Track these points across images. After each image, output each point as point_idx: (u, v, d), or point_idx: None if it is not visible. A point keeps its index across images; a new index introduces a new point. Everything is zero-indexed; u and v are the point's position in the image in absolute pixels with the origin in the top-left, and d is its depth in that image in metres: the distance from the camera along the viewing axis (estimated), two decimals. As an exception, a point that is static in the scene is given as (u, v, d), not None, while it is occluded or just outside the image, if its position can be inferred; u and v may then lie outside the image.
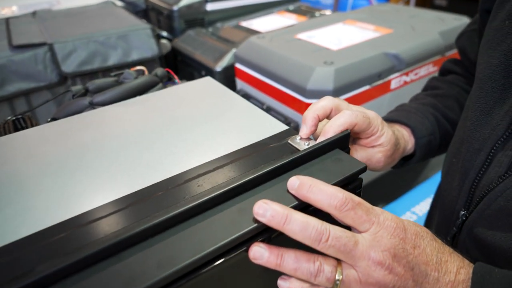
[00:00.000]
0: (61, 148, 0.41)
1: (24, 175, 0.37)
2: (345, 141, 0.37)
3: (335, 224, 0.28)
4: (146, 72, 0.61)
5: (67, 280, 0.24)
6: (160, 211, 0.30)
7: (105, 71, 0.93)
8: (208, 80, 0.56)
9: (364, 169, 0.33)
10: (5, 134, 0.50)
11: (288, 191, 0.30)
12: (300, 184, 0.29)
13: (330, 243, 0.26)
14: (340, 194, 0.28)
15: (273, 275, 0.30)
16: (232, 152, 0.38)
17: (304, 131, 0.38)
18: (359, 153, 0.42)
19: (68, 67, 0.87)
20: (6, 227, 0.30)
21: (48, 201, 0.33)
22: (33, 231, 0.29)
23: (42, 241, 0.28)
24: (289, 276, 0.29)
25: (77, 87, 0.55)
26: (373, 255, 0.27)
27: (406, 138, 0.49)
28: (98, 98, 0.51)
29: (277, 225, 0.27)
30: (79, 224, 0.30)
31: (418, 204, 1.00)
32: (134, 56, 0.95)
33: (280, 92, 0.87)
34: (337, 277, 0.27)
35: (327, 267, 0.27)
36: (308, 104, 0.82)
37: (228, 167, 0.35)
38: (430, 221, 0.58)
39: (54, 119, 0.51)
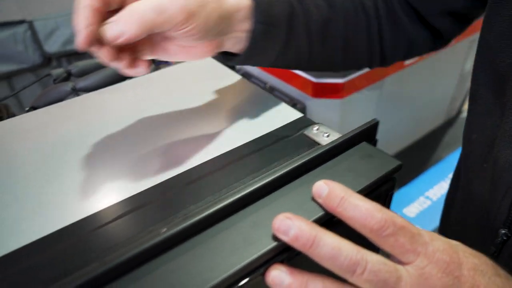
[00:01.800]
0: (40, 144, 0.35)
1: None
2: (373, 131, 0.31)
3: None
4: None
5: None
6: (156, 225, 0.25)
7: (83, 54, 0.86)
8: (205, 59, 0.50)
9: (399, 167, 0.28)
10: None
11: (312, 199, 0.25)
12: (330, 193, 0.23)
13: (366, 277, 0.21)
14: (379, 214, 0.22)
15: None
16: (239, 147, 0.32)
17: (78, 39, 0.27)
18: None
19: (51, 46, 0.80)
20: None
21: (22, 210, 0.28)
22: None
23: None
24: None
25: (58, 71, 0.49)
26: None
27: (240, 17, 0.33)
28: (82, 83, 0.45)
29: (302, 247, 0.22)
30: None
31: (432, 188, 0.95)
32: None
33: (284, 70, 0.81)
34: None
35: None
36: (318, 84, 0.76)
37: (234, 167, 0.30)
38: (448, 213, 0.52)
39: (33, 108, 0.45)
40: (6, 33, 0.78)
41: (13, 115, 0.45)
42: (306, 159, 0.27)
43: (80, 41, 0.27)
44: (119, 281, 0.20)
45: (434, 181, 0.97)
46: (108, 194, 0.29)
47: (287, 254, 0.23)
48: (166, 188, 0.29)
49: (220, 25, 0.32)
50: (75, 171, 0.31)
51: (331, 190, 0.23)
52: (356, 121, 0.78)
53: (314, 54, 0.39)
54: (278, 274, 0.22)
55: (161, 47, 0.33)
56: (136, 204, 0.27)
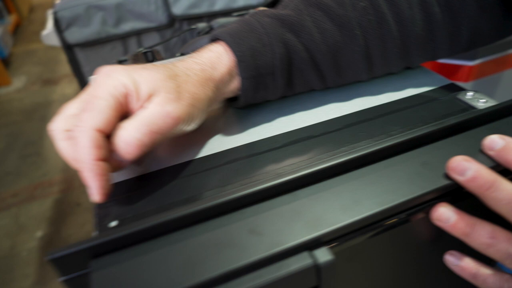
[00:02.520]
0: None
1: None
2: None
3: None
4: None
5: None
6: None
7: (210, 16, 0.92)
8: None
9: None
10: (138, 64, 0.51)
11: (480, 151, 0.25)
12: (506, 146, 0.24)
13: None
14: None
15: (439, 246, 0.26)
16: (392, 102, 0.33)
17: (96, 198, 0.25)
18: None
19: (178, 9, 0.87)
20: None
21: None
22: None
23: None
24: (461, 254, 0.25)
25: (202, 25, 0.54)
26: None
27: (222, 70, 0.31)
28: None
29: (477, 189, 0.22)
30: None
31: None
32: (240, 2, 0.92)
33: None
34: None
35: None
36: (443, 65, 0.71)
37: (391, 117, 0.31)
38: None
39: (181, 54, 0.50)
40: (142, -7, 0.86)
41: (163, 59, 0.50)
42: (471, 116, 0.27)
43: (101, 199, 0.25)
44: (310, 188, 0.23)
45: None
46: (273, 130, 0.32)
47: (451, 197, 0.24)
48: (329, 126, 0.31)
49: (211, 104, 0.31)
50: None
51: (508, 143, 0.24)
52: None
53: (329, 82, 0.36)
54: (445, 211, 0.23)
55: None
56: (300, 136, 0.30)
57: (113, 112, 0.25)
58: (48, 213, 1.56)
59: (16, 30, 3.11)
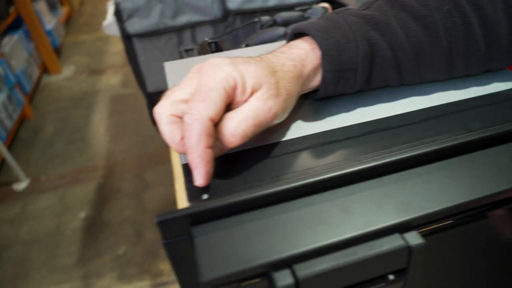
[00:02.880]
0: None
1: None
2: None
3: None
4: (330, 10, 0.58)
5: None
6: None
7: (263, 12, 0.93)
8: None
9: None
10: (203, 53, 0.54)
11: None
12: None
13: None
14: None
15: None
16: (470, 99, 0.33)
17: (199, 182, 0.26)
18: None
19: (233, 3, 0.89)
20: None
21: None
22: None
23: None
24: None
25: (266, 18, 0.55)
26: None
27: (309, 67, 0.32)
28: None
29: None
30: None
31: None
32: (294, -1, 0.93)
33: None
34: None
35: None
36: None
37: (470, 113, 0.31)
38: None
39: (247, 45, 0.52)
40: (199, -13, 0.89)
41: (227, 49, 0.52)
42: None
43: (202, 184, 0.26)
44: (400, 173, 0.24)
45: None
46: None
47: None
48: (406, 118, 0.31)
49: (298, 97, 0.32)
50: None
51: None
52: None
53: (406, 80, 0.35)
54: None
55: None
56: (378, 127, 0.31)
57: (222, 103, 0.27)
58: (91, 196, 1.64)
59: (68, 21, 3.27)
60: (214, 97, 0.26)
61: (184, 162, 0.28)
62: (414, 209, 0.22)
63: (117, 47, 2.86)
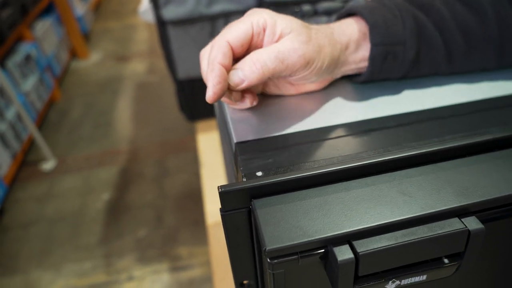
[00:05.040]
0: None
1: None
2: None
3: None
4: None
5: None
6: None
7: (297, 3, 0.93)
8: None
9: None
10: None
11: None
12: None
13: None
14: None
15: None
16: (496, 98, 0.32)
17: (208, 94, 0.29)
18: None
19: (268, -6, 0.89)
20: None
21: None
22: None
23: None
24: None
25: (307, 7, 0.55)
26: None
27: (352, 49, 0.33)
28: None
29: None
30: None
31: None
32: (329, -9, 0.92)
33: None
34: None
35: None
36: None
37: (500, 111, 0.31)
38: None
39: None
40: (236, -24, 0.89)
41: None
42: None
43: (210, 98, 0.29)
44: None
45: None
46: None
47: None
48: (456, 109, 0.31)
49: (333, 65, 0.32)
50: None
51: None
52: None
53: (455, 64, 0.35)
54: None
55: (274, 83, 0.35)
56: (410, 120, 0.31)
57: (246, 36, 0.30)
58: (114, 179, 1.68)
59: (97, 8, 3.34)
60: (238, 27, 0.30)
61: (236, 141, 0.29)
62: (474, 195, 0.22)
63: (144, 35, 2.90)
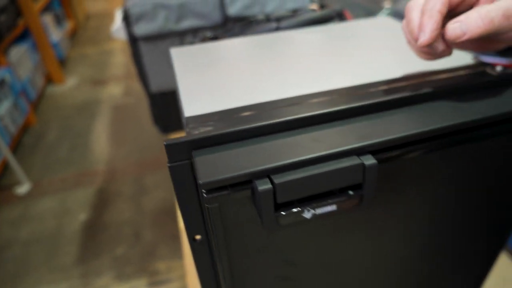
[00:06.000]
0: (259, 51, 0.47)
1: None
2: None
3: None
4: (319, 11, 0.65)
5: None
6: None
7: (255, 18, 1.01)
8: (386, 20, 0.57)
9: None
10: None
11: None
12: None
13: None
14: None
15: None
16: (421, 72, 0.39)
17: (423, 38, 0.30)
18: None
19: (233, 10, 0.97)
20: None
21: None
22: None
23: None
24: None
25: (260, 16, 0.62)
26: None
27: None
28: (284, 23, 0.57)
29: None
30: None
31: None
32: (290, 5, 1.00)
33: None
34: None
35: None
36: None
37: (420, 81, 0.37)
38: None
39: (243, 38, 0.58)
40: (202, -5, 0.97)
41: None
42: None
43: (425, 42, 0.31)
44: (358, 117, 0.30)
45: None
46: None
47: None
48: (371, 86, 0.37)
49: None
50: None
51: None
52: None
53: None
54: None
55: (475, 40, 0.35)
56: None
57: None
58: (91, 200, 1.68)
59: (73, 35, 3.38)
60: None
61: (186, 115, 0.34)
62: (371, 138, 0.27)
63: (120, 59, 2.95)
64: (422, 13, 0.31)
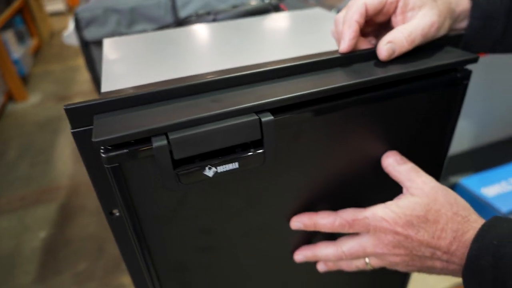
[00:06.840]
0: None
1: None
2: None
3: None
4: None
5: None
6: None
7: (212, 20, 1.03)
8: (318, 10, 0.60)
9: (475, 59, 0.34)
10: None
11: None
12: None
13: None
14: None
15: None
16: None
17: (343, 45, 0.34)
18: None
19: (183, 13, 0.98)
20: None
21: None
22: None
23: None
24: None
25: (201, 11, 0.63)
26: None
27: (461, 15, 0.38)
28: (220, 16, 0.58)
29: None
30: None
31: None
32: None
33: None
34: None
35: None
36: None
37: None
38: None
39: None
40: (155, 0, 0.98)
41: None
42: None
43: (345, 49, 0.34)
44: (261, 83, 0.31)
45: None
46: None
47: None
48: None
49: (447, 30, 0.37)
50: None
51: None
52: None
53: None
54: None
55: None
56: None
57: (379, 3, 0.34)
58: (52, 216, 1.61)
59: (37, 52, 3.31)
60: None
61: (101, 91, 0.34)
62: (268, 97, 0.28)
63: (86, 76, 2.90)
64: (343, 23, 0.34)
